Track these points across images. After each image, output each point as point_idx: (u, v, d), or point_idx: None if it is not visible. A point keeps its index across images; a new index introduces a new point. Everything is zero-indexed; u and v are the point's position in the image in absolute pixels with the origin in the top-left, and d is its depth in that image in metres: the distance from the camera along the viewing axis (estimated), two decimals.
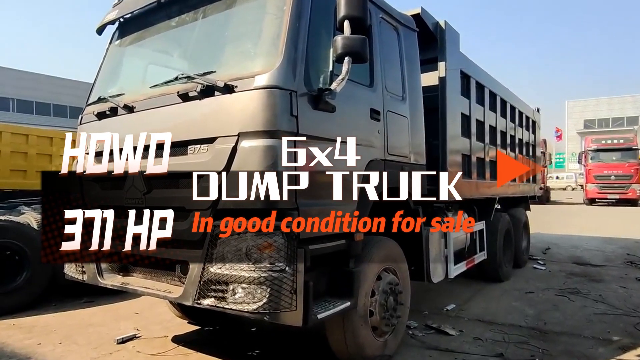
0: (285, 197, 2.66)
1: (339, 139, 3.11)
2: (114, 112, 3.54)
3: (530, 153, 8.68)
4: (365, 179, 3.38)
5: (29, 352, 4.02)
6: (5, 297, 5.24)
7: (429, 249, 4.47)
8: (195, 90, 2.92)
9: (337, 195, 3.11)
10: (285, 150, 2.68)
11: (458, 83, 5.28)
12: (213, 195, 2.77)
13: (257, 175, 2.64)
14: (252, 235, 2.61)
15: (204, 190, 2.83)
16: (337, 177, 3.13)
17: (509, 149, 7.23)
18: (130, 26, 3.98)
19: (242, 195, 2.68)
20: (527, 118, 8.39)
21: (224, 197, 2.74)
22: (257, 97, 2.70)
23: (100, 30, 4.12)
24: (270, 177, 2.63)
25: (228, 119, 2.78)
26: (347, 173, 3.22)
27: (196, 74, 3.02)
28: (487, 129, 6.26)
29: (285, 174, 2.67)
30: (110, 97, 3.64)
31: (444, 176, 4.73)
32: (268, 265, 2.59)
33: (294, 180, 2.74)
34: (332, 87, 2.85)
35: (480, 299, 5.86)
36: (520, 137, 7.94)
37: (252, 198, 2.66)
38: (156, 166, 3.14)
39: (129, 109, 3.41)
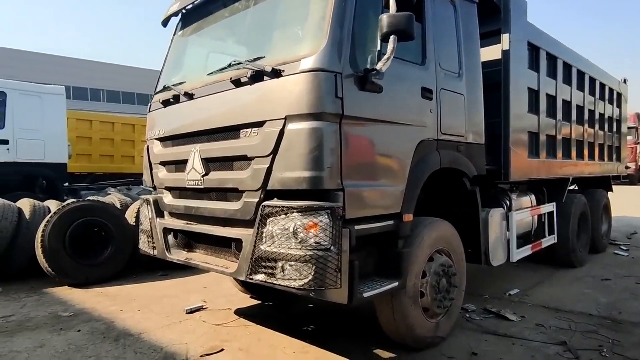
0: (330, 178, 2.72)
1: (387, 120, 3.12)
2: (176, 99, 3.79)
3: (614, 129, 7.94)
4: (416, 159, 3.36)
5: (113, 317, 4.51)
6: (95, 268, 5.88)
7: (488, 231, 4.32)
8: (246, 76, 3.04)
9: (385, 176, 3.13)
10: (330, 132, 2.72)
11: (525, 55, 4.95)
12: (262, 176, 2.90)
13: (302, 157, 2.72)
14: (299, 214, 2.71)
15: (255, 172, 2.97)
16: (385, 158, 3.14)
17: (587, 125, 6.66)
18: (190, 17, 4.20)
19: (289, 177, 2.79)
20: (611, 90, 7.65)
21: (271, 179, 2.86)
22: (302, 80, 2.76)
23: (165, 23, 4.38)
24: (315, 158, 2.70)
25: (276, 102, 2.87)
26: (396, 154, 3.22)
27: (247, 60, 3.14)
28: (560, 104, 5.81)
29: (330, 156, 2.71)
30: (173, 85, 3.89)
31: (505, 156, 4.60)
32: (314, 244, 2.68)
33: (340, 161, 2.78)
34: (378, 67, 2.83)
35: (547, 285, 5.56)
36: (601, 111, 7.28)
37: (298, 179, 2.75)
38: (212, 149, 3.35)
39: (189, 96, 3.63)
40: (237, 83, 3.14)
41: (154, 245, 3.98)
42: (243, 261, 3.00)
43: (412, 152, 3.33)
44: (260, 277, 2.87)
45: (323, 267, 2.66)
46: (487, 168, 4.51)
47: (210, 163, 3.37)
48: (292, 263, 2.71)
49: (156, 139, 4.04)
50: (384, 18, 2.78)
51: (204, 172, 3.39)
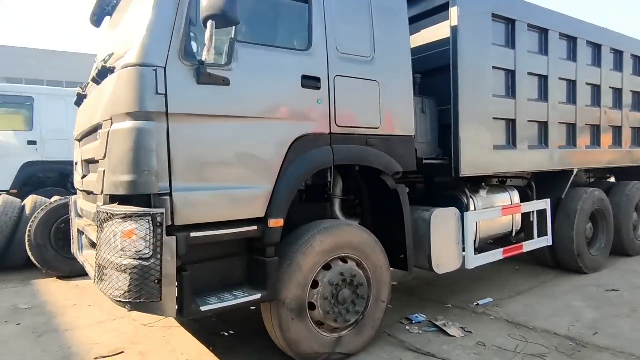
0: (149, 182, 2.50)
1: (241, 115, 2.81)
2: (81, 98, 3.77)
3: None
4: (291, 157, 3.00)
5: (61, 311, 4.69)
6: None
7: (430, 234, 3.81)
8: (94, 75, 2.91)
9: (240, 177, 2.83)
10: (148, 131, 2.49)
11: (487, 30, 4.24)
12: (102, 180, 2.76)
13: (121, 159, 2.53)
14: (120, 220, 2.52)
15: (98, 175, 2.83)
16: (239, 158, 2.83)
17: (603, 105, 5.62)
18: (107, 12, 4.10)
19: (113, 181, 2.61)
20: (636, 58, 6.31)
21: (105, 183, 2.71)
22: (121, 77, 2.56)
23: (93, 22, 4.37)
24: (131, 161, 2.49)
25: (106, 101, 2.71)
26: (256, 152, 2.89)
27: (105, 57, 3.01)
28: (554, 84, 4.94)
29: (149, 158, 2.49)
30: (82, 84, 3.88)
31: (455, 148, 4.03)
32: (133, 252, 2.48)
33: (167, 163, 2.55)
34: (202, 58, 2.52)
35: (532, 294, 4.82)
36: (632, 87, 6.10)
37: (116, 183, 2.57)
38: (84, 151, 3.28)
39: (84, 96, 3.59)
40: (95, 81, 3.02)
41: (73, 244, 4.05)
42: (95, 267, 2.89)
43: (285, 149, 2.98)
44: (101, 285, 2.74)
45: (139, 278, 2.46)
46: (431, 162, 3.98)
47: (86, 165, 3.31)
48: (112, 271, 2.54)
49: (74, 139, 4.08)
50: (202, 1, 2.46)
51: (82, 174, 3.34)
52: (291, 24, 3.26)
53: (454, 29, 4.00)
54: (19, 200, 6.78)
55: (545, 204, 5.00)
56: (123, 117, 2.54)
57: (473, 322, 4.08)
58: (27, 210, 6.55)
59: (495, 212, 4.46)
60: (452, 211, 4.06)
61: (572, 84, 5.22)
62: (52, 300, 5.06)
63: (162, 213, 2.49)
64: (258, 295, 2.86)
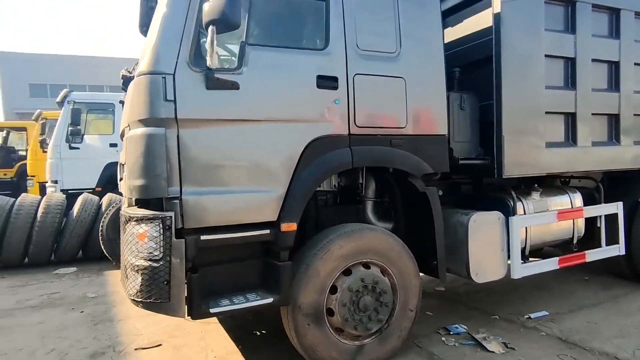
0: (159, 187, 2.59)
1: (252, 119, 2.82)
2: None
3: None
4: (306, 160, 2.95)
5: (119, 302, 5.04)
6: None
7: (468, 240, 3.55)
8: (122, 82, 3.08)
9: (251, 181, 2.83)
10: (158, 137, 2.58)
11: (538, 15, 3.79)
12: (125, 184, 2.92)
13: (133, 164, 2.66)
14: (135, 223, 2.66)
15: (124, 179, 3.01)
16: (250, 162, 2.84)
17: None
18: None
19: (129, 185, 2.75)
20: None
21: (127, 187, 2.86)
22: (134, 85, 2.68)
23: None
24: (142, 166, 2.60)
25: (127, 109, 2.86)
26: (268, 155, 2.88)
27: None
28: (628, 71, 4.32)
29: (158, 163, 2.57)
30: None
31: (498, 147, 3.71)
32: (146, 254, 2.60)
33: (178, 167, 2.62)
34: (208, 64, 2.54)
35: (599, 310, 4.28)
36: None
37: (131, 187, 2.69)
38: (123, 154, 3.48)
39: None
40: (123, 89, 3.21)
41: None
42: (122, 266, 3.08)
43: (299, 153, 2.92)
44: (124, 283, 2.92)
45: (149, 279, 2.57)
46: (470, 163, 3.70)
47: (122, 168, 3.52)
48: (130, 271, 2.68)
49: None
50: (204, 7, 2.48)
51: (120, 177, 3.56)
52: (306, 24, 3.19)
53: (496, 17, 3.65)
54: (97, 197, 7.47)
55: (616, 207, 4.40)
56: (137, 124, 2.67)
57: (520, 337, 3.72)
58: (104, 207, 7.20)
59: (549, 216, 4.01)
60: (495, 215, 3.73)
61: None
62: (115, 291, 5.51)
63: (172, 217, 2.57)
64: (270, 300, 2.85)
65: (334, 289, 3.09)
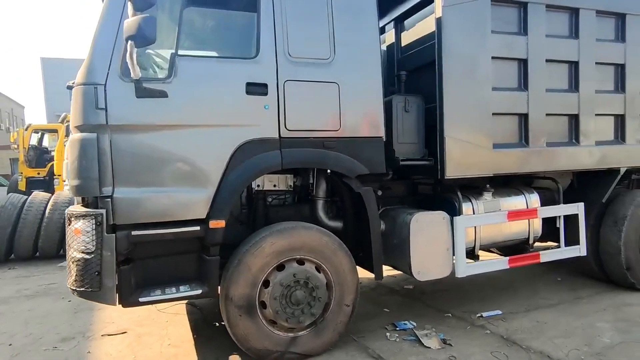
0: (90, 187, 2.87)
1: (181, 124, 3.06)
2: None
3: None
4: (235, 162, 3.17)
5: None
6: None
7: (409, 238, 3.67)
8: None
9: (180, 181, 3.07)
10: (89, 142, 2.85)
11: (484, 18, 3.84)
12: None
13: (69, 166, 2.95)
14: (73, 219, 2.95)
15: None
16: (179, 164, 3.08)
17: None
18: None
19: (66, 185, 3.04)
20: None
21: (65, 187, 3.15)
22: (73, 95, 2.96)
23: None
24: (75, 168, 2.89)
25: None
26: (198, 158, 3.11)
27: None
28: (588, 70, 4.29)
29: (89, 165, 2.85)
30: None
31: (440, 148, 3.80)
32: (81, 247, 2.89)
33: (110, 169, 2.89)
34: (131, 76, 2.80)
35: (555, 310, 4.29)
36: None
37: (70, 187, 2.99)
38: None
39: None
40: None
41: None
42: None
43: (228, 155, 3.14)
44: (67, 275, 3.21)
45: (82, 270, 2.86)
46: (412, 164, 3.81)
47: None
48: (69, 263, 2.98)
49: None
50: (124, 23, 2.73)
51: None
52: (237, 34, 3.41)
53: (438, 21, 3.73)
54: None
55: (576, 208, 4.37)
56: (75, 129, 2.96)
57: (463, 335, 3.80)
58: None
59: (499, 217, 4.05)
60: (438, 215, 3.82)
61: (619, 68, 4.47)
62: None
63: (102, 214, 2.85)
64: (199, 291, 3.10)
65: (267, 283, 3.29)
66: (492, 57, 3.89)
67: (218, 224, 3.11)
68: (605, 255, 4.65)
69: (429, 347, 3.56)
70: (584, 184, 4.72)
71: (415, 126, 3.91)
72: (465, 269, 3.91)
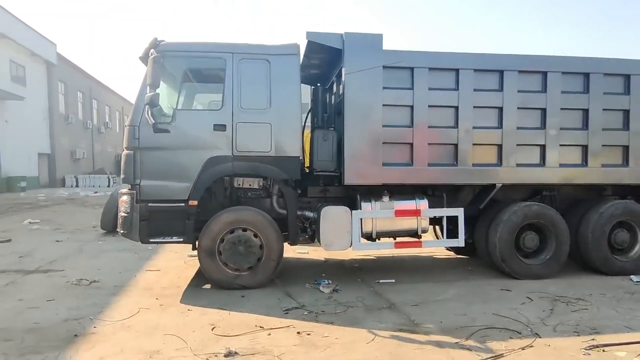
0: (130, 178, 5.52)
1: (175, 147, 5.60)
2: None
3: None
4: (205, 168, 5.61)
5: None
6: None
7: (319, 221, 5.76)
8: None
9: (173, 178, 5.60)
10: (131, 156, 5.51)
11: (376, 79, 5.72)
12: None
13: (122, 166, 5.63)
14: (122, 195, 5.64)
15: None
16: (174, 168, 5.61)
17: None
18: None
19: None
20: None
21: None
22: (125, 130, 5.65)
23: None
24: (124, 168, 5.56)
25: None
26: (183, 165, 5.61)
27: None
28: (467, 111, 5.92)
29: (130, 167, 5.50)
30: None
31: (343, 164, 5.85)
32: (124, 209, 5.56)
33: (139, 170, 5.52)
34: (150, 122, 5.38)
35: (431, 283, 5.98)
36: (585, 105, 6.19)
37: (122, 178, 5.68)
38: None
39: None
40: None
41: None
42: None
43: (201, 164, 5.58)
44: (118, 226, 5.90)
45: (125, 221, 5.53)
46: (324, 174, 5.92)
47: None
48: (119, 218, 5.68)
49: None
50: (145, 97, 5.32)
51: None
52: (211, 95, 5.86)
53: (343, 83, 5.81)
54: None
55: (457, 211, 6.00)
56: (124, 148, 5.65)
57: (353, 289, 5.70)
58: None
59: (387, 213, 5.89)
60: (341, 209, 5.84)
61: (499, 111, 6.03)
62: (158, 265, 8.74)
63: (134, 193, 5.48)
64: (181, 239, 5.57)
65: (222, 240, 5.63)
66: (384, 105, 5.82)
67: (193, 203, 5.57)
68: (491, 249, 6.15)
69: (323, 292, 5.58)
70: (477, 195, 6.29)
71: (330, 150, 5.97)
72: (359, 246, 5.85)
